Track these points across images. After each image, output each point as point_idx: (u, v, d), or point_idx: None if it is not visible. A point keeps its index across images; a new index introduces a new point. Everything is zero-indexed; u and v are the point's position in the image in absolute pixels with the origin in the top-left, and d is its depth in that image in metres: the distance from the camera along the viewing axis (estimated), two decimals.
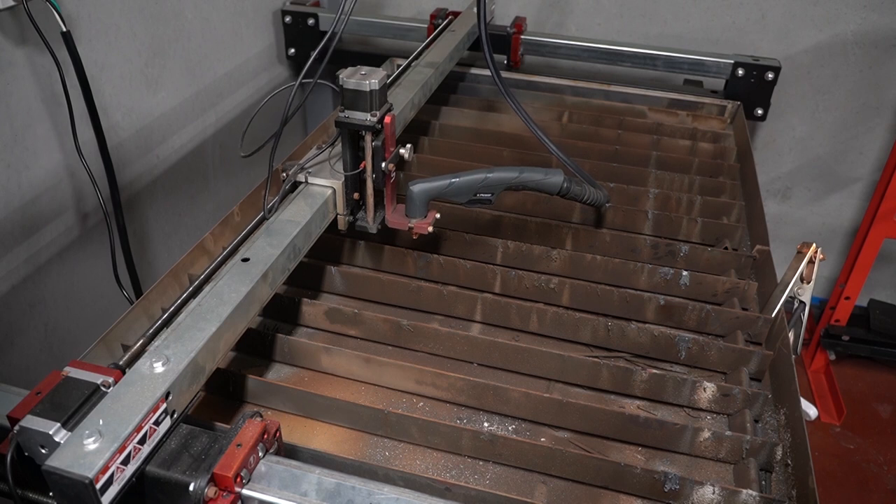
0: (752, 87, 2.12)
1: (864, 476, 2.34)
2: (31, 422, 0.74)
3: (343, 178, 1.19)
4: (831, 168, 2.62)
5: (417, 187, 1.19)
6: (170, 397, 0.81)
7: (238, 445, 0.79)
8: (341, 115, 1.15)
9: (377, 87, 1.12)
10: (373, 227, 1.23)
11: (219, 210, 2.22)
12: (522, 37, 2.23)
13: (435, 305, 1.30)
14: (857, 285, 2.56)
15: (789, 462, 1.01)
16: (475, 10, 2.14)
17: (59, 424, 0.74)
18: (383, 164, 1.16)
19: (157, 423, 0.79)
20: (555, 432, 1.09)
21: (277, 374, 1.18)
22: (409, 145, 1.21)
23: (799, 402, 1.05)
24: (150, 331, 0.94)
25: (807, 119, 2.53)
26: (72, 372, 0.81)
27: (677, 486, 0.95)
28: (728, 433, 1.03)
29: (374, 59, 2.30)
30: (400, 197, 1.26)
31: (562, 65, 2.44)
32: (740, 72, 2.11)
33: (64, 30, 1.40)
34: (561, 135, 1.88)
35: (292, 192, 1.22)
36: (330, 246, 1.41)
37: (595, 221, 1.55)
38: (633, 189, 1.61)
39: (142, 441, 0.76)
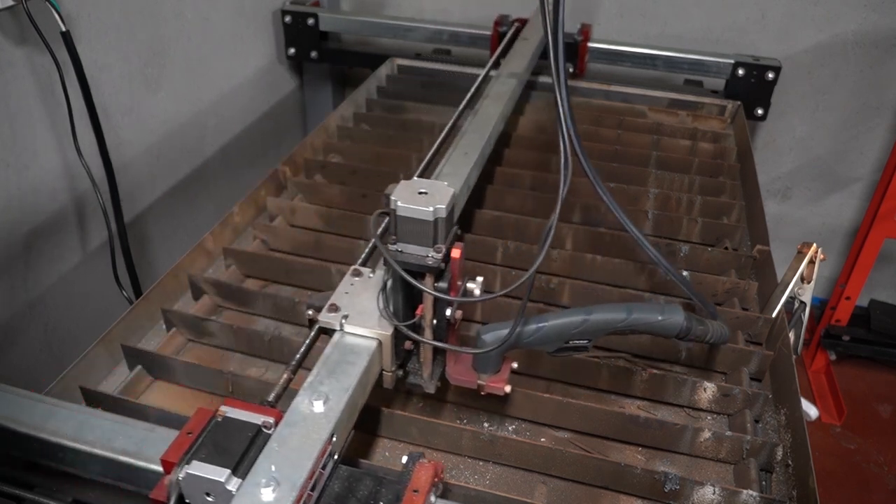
0: (752, 86, 2.12)
1: (864, 476, 2.34)
2: (199, 468, 0.69)
3: (392, 328, 0.88)
4: (831, 168, 2.61)
5: (491, 336, 0.89)
6: (334, 439, 0.76)
7: (415, 492, 0.74)
8: (392, 247, 0.84)
9: (444, 215, 0.82)
10: (430, 386, 0.95)
11: (219, 210, 2.22)
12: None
13: None
14: (858, 285, 2.56)
15: (790, 462, 1.01)
16: (541, 18, 2.12)
17: (229, 471, 0.68)
18: (448, 312, 0.88)
19: (323, 466, 0.74)
20: (555, 432, 1.09)
21: (277, 374, 1.18)
22: (479, 278, 0.90)
23: (799, 402, 1.05)
24: (293, 363, 0.89)
25: (807, 119, 2.53)
26: (229, 412, 0.75)
27: (677, 487, 0.95)
28: (728, 433, 1.03)
29: (375, 59, 2.30)
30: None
31: None
32: (740, 72, 2.11)
33: (63, 30, 1.40)
34: None
35: (318, 337, 0.93)
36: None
37: (595, 222, 1.55)
38: (633, 189, 1.61)
39: (313, 487, 0.72)
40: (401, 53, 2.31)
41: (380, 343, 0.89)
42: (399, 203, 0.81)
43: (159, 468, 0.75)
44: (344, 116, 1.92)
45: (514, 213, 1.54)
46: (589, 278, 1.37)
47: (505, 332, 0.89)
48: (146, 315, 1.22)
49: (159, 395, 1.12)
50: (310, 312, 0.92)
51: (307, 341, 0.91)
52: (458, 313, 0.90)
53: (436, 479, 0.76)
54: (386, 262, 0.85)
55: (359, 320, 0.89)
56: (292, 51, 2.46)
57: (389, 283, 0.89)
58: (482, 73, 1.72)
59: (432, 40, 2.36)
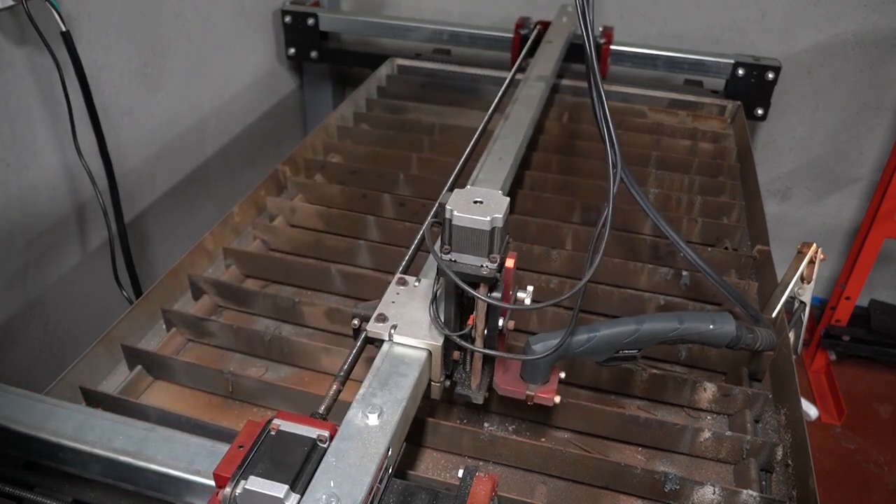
0: (752, 86, 2.12)
1: (864, 476, 2.34)
2: (257, 483, 0.66)
3: (443, 338, 0.87)
4: (831, 168, 2.61)
5: (541, 345, 0.88)
6: (389, 452, 0.75)
7: None
8: (444, 256, 0.83)
9: (501, 224, 0.81)
10: (479, 396, 0.93)
11: (219, 210, 2.22)
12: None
13: None
14: (858, 285, 2.56)
15: (790, 462, 1.01)
16: (566, 19, 2.06)
17: (287, 487, 0.66)
18: (500, 322, 0.88)
19: (380, 481, 0.73)
20: (555, 432, 1.09)
21: (277, 373, 1.18)
22: (530, 288, 0.89)
23: (799, 402, 1.05)
24: (341, 374, 0.87)
25: (807, 119, 2.53)
26: (283, 425, 0.73)
27: (677, 487, 0.95)
28: (728, 433, 1.03)
29: (375, 58, 2.30)
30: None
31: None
32: (740, 72, 2.11)
33: (63, 30, 1.40)
34: (561, 135, 1.88)
35: (365, 347, 0.92)
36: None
37: (595, 221, 1.55)
38: None
39: (371, 502, 0.70)
40: (401, 53, 2.31)
41: (430, 353, 0.88)
42: (455, 212, 0.80)
43: (159, 468, 0.75)
44: (344, 116, 1.92)
45: (513, 213, 1.54)
46: (589, 278, 1.37)
47: (555, 341, 0.88)
48: (146, 315, 1.22)
49: (159, 395, 1.12)
50: (355, 322, 0.91)
51: (353, 351, 0.90)
52: (511, 323, 0.89)
53: (492, 493, 0.74)
54: (439, 272, 0.84)
55: (408, 330, 0.88)
56: (292, 51, 2.46)
57: (440, 292, 0.88)
58: (508, 76, 1.70)
59: (432, 40, 2.36)
